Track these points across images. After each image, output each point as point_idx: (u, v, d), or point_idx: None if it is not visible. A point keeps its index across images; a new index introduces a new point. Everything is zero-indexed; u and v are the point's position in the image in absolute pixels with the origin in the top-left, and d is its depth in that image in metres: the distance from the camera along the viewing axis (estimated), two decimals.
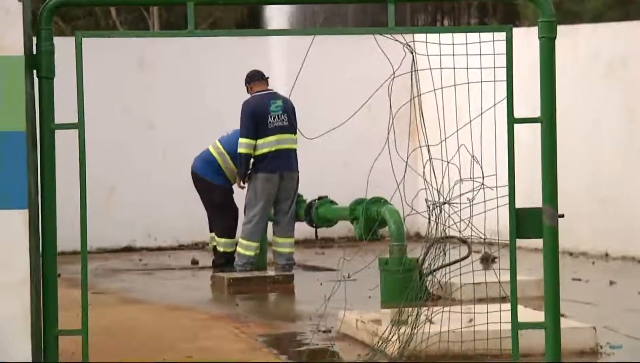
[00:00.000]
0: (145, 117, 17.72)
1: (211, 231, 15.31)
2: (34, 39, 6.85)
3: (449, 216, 8.04)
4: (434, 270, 9.71)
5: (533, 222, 6.85)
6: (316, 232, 15.42)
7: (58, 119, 6.85)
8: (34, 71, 6.84)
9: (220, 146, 14.92)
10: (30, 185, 6.74)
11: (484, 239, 8.34)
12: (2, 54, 6.67)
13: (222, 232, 15.04)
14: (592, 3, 32.10)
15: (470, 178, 7.65)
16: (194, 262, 16.32)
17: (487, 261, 12.49)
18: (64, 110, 6.91)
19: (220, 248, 15.06)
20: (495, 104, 7.00)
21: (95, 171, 7.47)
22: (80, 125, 6.87)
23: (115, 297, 13.67)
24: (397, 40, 7.54)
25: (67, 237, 7.08)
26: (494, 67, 6.93)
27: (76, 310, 6.92)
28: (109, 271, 15.73)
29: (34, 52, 6.84)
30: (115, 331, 10.88)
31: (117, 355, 9.72)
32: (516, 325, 6.92)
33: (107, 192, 16.96)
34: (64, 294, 7.00)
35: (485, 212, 7.58)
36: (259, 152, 14.29)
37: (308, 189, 14.78)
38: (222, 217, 15.04)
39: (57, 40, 6.89)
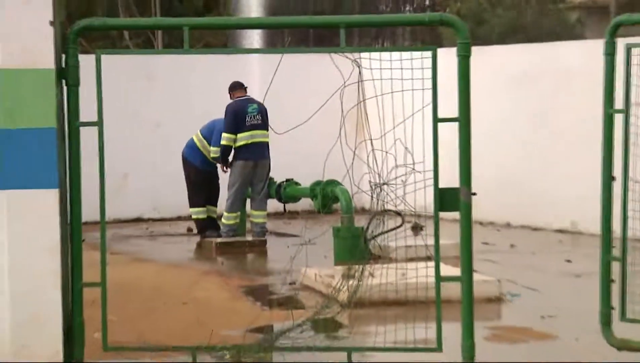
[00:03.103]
0: (151, 118, 17.68)
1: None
2: (63, 56, 6.82)
3: (387, 194, 8.03)
4: (375, 236, 9.71)
5: (452, 199, 6.85)
6: (284, 206, 15.45)
7: (82, 118, 6.83)
8: (63, 81, 6.82)
9: (200, 134, 15.02)
10: (60, 170, 6.71)
11: (414, 212, 8.34)
12: (38, 67, 6.64)
13: (193, 203, 15.16)
14: (496, 28, 32.13)
15: (404, 164, 7.64)
16: (189, 230, 16.31)
17: (417, 229, 12.50)
18: (86, 111, 6.87)
19: (193, 216, 15.16)
20: (423, 107, 6.99)
21: (111, 160, 7.41)
22: (99, 123, 6.87)
23: (127, 257, 13.65)
24: (347, 57, 7.54)
25: (90, 210, 7.05)
26: (423, 78, 6.92)
27: (97, 267, 6.91)
28: (123, 237, 15.71)
29: (63, 66, 6.81)
30: (127, 284, 10.86)
31: (129, 302, 9.69)
32: (439, 278, 6.93)
33: (121, 177, 16.88)
34: (87, 255, 6.96)
35: (415, 191, 7.57)
36: (238, 144, 14.40)
37: (278, 173, 14.80)
38: (196, 192, 15.12)
39: (81, 56, 6.86)
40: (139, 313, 9.47)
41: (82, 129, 6.82)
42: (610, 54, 7.84)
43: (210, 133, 14.84)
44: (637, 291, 7.94)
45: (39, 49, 6.66)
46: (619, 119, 7.87)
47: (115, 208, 14.47)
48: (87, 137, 6.87)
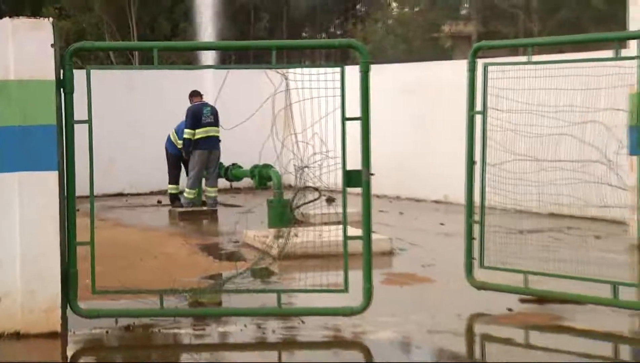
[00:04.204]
0: (131, 117, 17.43)
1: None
2: (61, 70, 6.76)
3: (307, 175, 8.05)
4: (299, 206, 9.71)
5: (356, 178, 6.91)
6: (231, 184, 15.44)
7: (76, 118, 6.79)
8: (61, 89, 6.76)
9: (174, 132, 14.87)
10: (59, 156, 6.66)
11: (328, 188, 8.38)
12: (42, 78, 6.63)
13: (170, 181, 14.99)
14: (391, 51, 32.30)
15: (320, 152, 7.65)
16: (159, 202, 16.19)
17: (330, 201, 12.52)
18: (80, 112, 6.81)
19: (169, 191, 15.06)
20: (334, 109, 7.02)
21: (99, 149, 7.36)
22: (89, 122, 6.83)
23: (111, 223, 13.52)
24: (277, 72, 7.54)
25: (83, 187, 6.99)
26: (334, 88, 6.95)
27: (87, 230, 6.86)
28: (108, 207, 15.54)
29: (61, 78, 6.75)
30: (110, 243, 10.75)
31: (112, 257, 9.60)
32: (346, 237, 6.99)
33: (107, 161, 16.62)
34: (80, 221, 6.91)
35: (328, 172, 7.60)
36: (197, 137, 14.34)
37: (226, 158, 14.74)
38: (172, 172, 14.98)
39: (75, 71, 6.81)
40: (120, 265, 9.40)
41: (75, 125, 6.78)
42: (472, 70, 7.94)
43: (179, 130, 14.79)
44: (491, 246, 8.06)
45: (42, 65, 6.62)
46: (478, 119, 7.98)
47: (102, 185, 14.32)
48: (80, 132, 6.82)
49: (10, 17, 6.70)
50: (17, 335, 6.66)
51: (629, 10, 10.86)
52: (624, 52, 7.42)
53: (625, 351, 6.77)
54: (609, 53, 7.31)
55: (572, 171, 8.04)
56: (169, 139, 14.99)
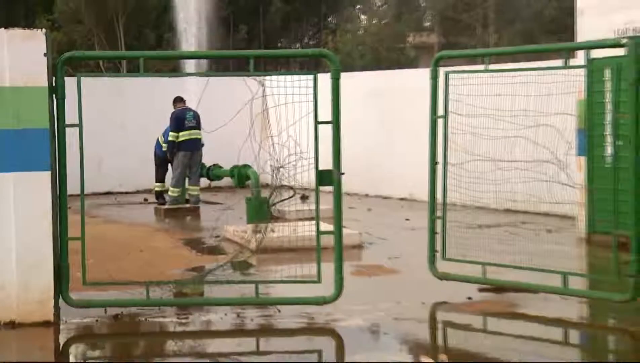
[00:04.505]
0: (120, 122, 17.31)
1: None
2: (54, 78, 6.72)
3: (283, 174, 8.04)
4: (275, 203, 9.71)
5: (328, 177, 6.91)
6: (210, 183, 15.41)
7: (67, 122, 6.74)
8: (54, 95, 6.71)
9: (161, 136, 14.83)
10: (52, 158, 6.62)
11: (302, 186, 8.37)
12: (35, 85, 6.59)
13: (157, 180, 14.99)
14: (359, 61, 32.35)
15: (294, 153, 7.64)
16: (145, 199, 16.12)
17: (304, 198, 12.52)
18: (71, 117, 6.77)
19: (156, 189, 15.03)
20: (307, 113, 7.02)
21: (90, 150, 7.29)
22: (79, 125, 6.80)
23: (100, 219, 13.43)
24: (255, 79, 7.53)
25: (74, 186, 6.94)
26: (307, 94, 6.95)
27: (78, 226, 6.81)
28: (97, 205, 15.43)
29: (54, 85, 6.71)
30: (100, 237, 10.66)
31: (101, 251, 9.52)
32: (319, 232, 6.99)
33: (97, 161, 16.48)
34: (72, 218, 6.86)
35: (302, 171, 7.59)
36: (180, 139, 14.31)
37: (208, 159, 14.70)
38: (159, 172, 14.96)
39: (67, 78, 6.77)
40: (109, 258, 9.33)
41: (67, 129, 6.74)
42: (434, 78, 7.97)
43: (165, 133, 14.77)
44: (453, 240, 8.09)
45: (36, 73, 6.59)
46: (440, 123, 8.00)
47: (91, 184, 14.22)
48: (71, 135, 6.77)
49: (5, 28, 6.66)
50: (13, 324, 6.62)
51: (576, 23, 10.94)
52: (572, 62, 7.48)
53: (574, 335, 6.83)
54: (559, 62, 7.35)
55: (526, 170, 8.10)
56: (157, 142, 14.99)
